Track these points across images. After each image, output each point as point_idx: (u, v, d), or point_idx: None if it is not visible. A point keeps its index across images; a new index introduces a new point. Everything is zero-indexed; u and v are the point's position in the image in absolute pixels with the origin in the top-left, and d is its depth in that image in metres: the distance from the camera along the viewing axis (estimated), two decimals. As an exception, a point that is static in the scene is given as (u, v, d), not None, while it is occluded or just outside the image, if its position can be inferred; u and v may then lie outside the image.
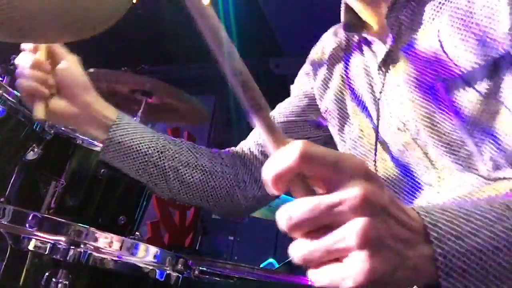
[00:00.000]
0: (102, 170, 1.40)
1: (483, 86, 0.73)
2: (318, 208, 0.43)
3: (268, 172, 0.45)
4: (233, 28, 3.52)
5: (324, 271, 0.45)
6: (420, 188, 0.86)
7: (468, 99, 0.74)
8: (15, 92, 1.19)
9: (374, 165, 0.93)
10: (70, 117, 1.02)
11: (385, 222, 0.44)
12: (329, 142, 1.10)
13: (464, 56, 0.74)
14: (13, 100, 1.18)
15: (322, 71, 1.09)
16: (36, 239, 0.77)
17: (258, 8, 3.55)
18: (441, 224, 0.49)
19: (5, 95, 1.16)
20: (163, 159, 1.06)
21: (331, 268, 0.45)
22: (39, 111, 0.96)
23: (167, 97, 2.36)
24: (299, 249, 0.46)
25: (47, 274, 0.75)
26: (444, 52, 0.77)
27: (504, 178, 0.74)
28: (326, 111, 1.07)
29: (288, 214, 0.45)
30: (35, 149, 1.27)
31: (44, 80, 0.97)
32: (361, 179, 0.44)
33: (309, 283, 1.51)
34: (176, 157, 1.08)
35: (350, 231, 0.43)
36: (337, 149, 1.05)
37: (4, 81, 1.47)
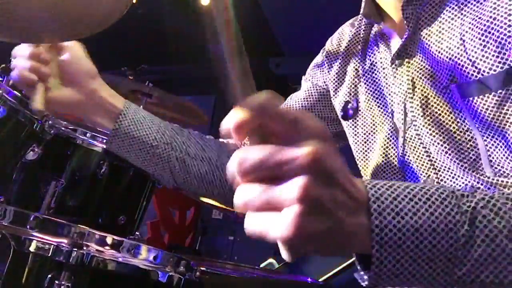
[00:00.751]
0: (102, 170, 1.40)
1: (498, 91, 0.73)
2: (271, 158, 0.44)
3: (231, 119, 0.45)
4: (233, 28, 3.51)
5: (258, 218, 0.46)
6: None
7: (483, 103, 0.75)
8: (15, 92, 1.18)
9: (384, 159, 0.94)
10: (76, 105, 1.01)
11: (329, 185, 0.45)
12: (341, 136, 1.09)
13: (483, 60, 0.74)
14: (13, 100, 1.18)
15: (337, 64, 1.08)
16: (37, 240, 0.76)
17: (258, 8, 3.55)
18: (384, 198, 0.50)
19: (5, 95, 1.16)
20: (169, 151, 1.06)
21: (265, 216, 0.45)
22: (36, 101, 0.95)
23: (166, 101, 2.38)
24: (243, 193, 0.46)
25: (49, 276, 0.75)
26: (466, 53, 0.77)
27: (507, 183, 0.74)
28: (339, 104, 1.07)
29: (242, 157, 0.45)
30: (35, 149, 1.26)
31: (35, 68, 0.94)
32: (317, 140, 0.45)
33: (309, 281, 1.51)
34: (183, 149, 1.07)
35: (293, 186, 0.43)
36: (348, 142, 1.06)
37: (4, 81, 1.47)
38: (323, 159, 0.44)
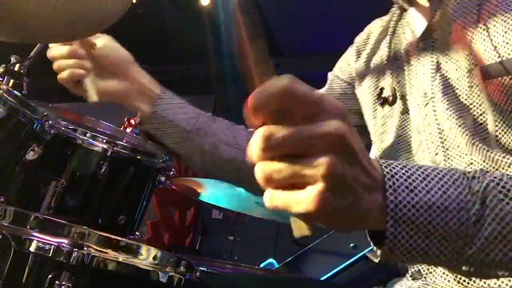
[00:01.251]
0: (102, 170, 1.40)
1: None
2: (298, 135, 0.45)
3: (251, 102, 0.45)
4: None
5: (281, 193, 0.47)
6: None
7: (499, 85, 0.77)
8: (15, 92, 1.19)
9: (397, 141, 0.95)
10: (121, 92, 1.07)
11: (351, 164, 0.47)
12: (361, 130, 1.10)
13: (503, 45, 0.77)
14: (13, 100, 1.18)
15: (365, 55, 1.11)
16: (37, 240, 0.76)
17: (258, 7, 3.55)
18: (398, 176, 0.52)
19: (5, 95, 1.16)
20: (201, 136, 1.10)
21: (288, 191, 0.47)
22: (93, 95, 1.01)
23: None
24: (266, 167, 0.47)
25: (50, 276, 0.75)
26: (489, 38, 0.79)
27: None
28: (363, 89, 1.08)
29: (267, 133, 0.45)
30: (35, 149, 1.26)
31: (81, 64, 1.01)
32: (339, 120, 0.46)
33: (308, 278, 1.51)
34: (215, 134, 1.11)
35: (320, 162, 0.45)
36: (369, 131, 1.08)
37: (4, 81, 1.47)
38: (347, 138, 0.46)
